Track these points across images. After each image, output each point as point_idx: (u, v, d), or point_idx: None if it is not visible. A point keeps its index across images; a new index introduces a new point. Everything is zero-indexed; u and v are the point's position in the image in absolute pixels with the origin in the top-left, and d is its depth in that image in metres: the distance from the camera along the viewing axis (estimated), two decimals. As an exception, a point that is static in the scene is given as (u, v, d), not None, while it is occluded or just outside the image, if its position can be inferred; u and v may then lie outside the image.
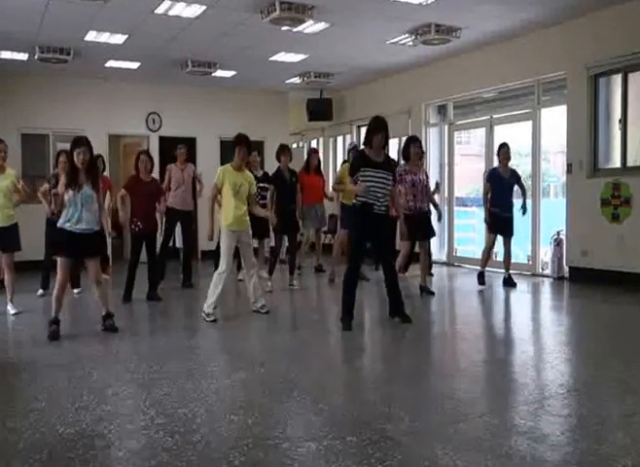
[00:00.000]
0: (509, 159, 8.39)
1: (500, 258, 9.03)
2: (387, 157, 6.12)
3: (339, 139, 14.41)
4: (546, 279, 9.18)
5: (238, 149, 6.52)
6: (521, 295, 8.35)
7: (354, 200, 6.02)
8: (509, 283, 8.47)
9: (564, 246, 8.99)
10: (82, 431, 3.43)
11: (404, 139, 12.18)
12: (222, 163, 12.56)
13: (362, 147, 6.17)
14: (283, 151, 8.54)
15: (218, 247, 8.84)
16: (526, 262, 9.83)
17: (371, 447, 3.15)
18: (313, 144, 15.09)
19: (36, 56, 9.59)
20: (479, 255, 10.53)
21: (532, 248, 9.65)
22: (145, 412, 3.74)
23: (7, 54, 9.98)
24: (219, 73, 11.19)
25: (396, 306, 6.15)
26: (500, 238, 8.57)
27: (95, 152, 6.10)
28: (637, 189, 7.97)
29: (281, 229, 8.36)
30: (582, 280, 8.59)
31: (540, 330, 6.43)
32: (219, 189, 6.57)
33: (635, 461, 2.98)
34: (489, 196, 8.37)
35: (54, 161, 8.32)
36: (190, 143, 12.76)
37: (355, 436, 3.30)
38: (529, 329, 6.38)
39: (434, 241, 11.51)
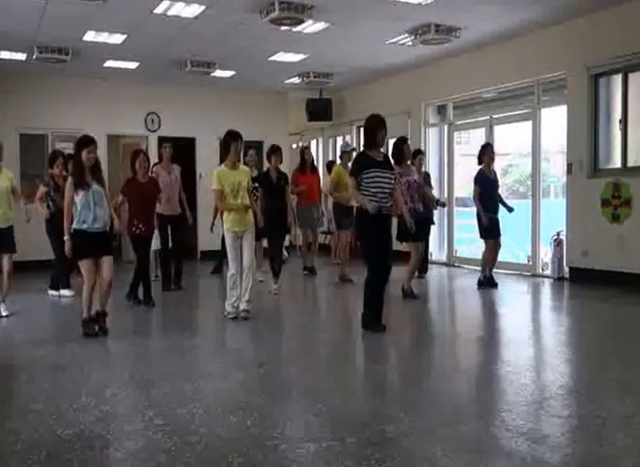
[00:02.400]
0: (494, 159, 8.35)
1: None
2: (385, 155, 6.04)
3: (339, 139, 14.38)
4: (546, 280, 9.16)
5: (234, 146, 6.40)
6: (522, 295, 8.34)
7: (356, 204, 5.83)
8: (491, 283, 8.39)
9: (564, 247, 8.97)
10: (80, 432, 3.42)
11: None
12: (221, 164, 12.61)
13: (353, 153, 6.06)
14: (275, 152, 8.39)
15: (222, 247, 8.85)
16: (526, 262, 9.81)
17: (370, 447, 3.14)
18: (313, 144, 15.08)
19: (34, 56, 9.57)
20: (479, 256, 10.52)
21: (532, 249, 9.64)
22: (144, 412, 3.73)
23: (5, 54, 9.95)
24: (218, 73, 11.17)
25: (376, 314, 5.85)
26: None
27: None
28: (638, 189, 7.95)
29: (267, 231, 8.15)
30: (582, 281, 8.57)
31: (540, 330, 6.42)
32: (221, 192, 6.39)
33: (636, 462, 2.97)
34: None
35: (48, 162, 8.23)
36: (189, 143, 12.81)
37: (355, 437, 3.29)
38: (529, 330, 6.37)
39: (433, 241, 11.54)
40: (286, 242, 12.31)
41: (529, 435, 3.30)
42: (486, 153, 8.31)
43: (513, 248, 10.77)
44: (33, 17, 8.06)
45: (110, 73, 11.37)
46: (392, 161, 6.26)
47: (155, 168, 8.57)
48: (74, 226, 5.68)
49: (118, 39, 9.19)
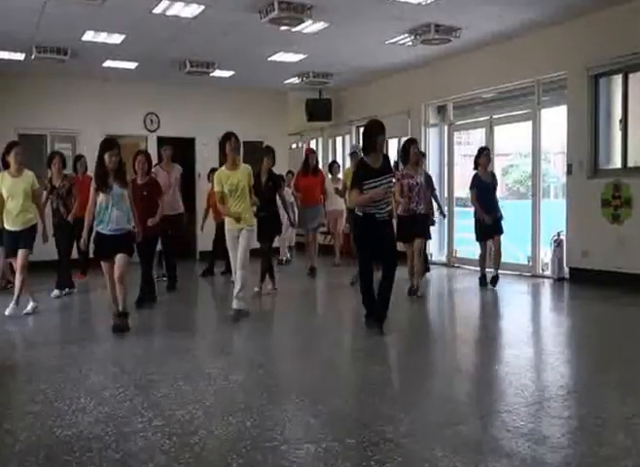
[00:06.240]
0: (489, 162, 8.53)
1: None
2: (385, 158, 5.96)
3: (339, 140, 14.39)
4: (546, 280, 9.14)
5: (229, 147, 6.50)
6: (522, 296, 8.32)
7: (357, 211, 5.88)
8: (495, 281, 8.41)
9: (564, 247, 8.96)
10: (79, 433, 3.41)
11: (403, 140, 12.23)
12: (220, 164, 12.59)
13: (361, 155, 6.07)
14: (267, 154, 8.20)
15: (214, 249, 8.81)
16: (526, 263, 9.80)
17: (370, 448, 3.13)
18: (312, 144, 15.07)
19: (33, 56, 9.56)
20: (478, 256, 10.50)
21: (532, 249, 9.62)
22: (142, 414, 3.71)
23: (4, 55, 9.93)
24: (217, 73, 11.16)
25: (378, 313, 5.84)
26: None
27: (94, 152, 6.07)
28: (638, 189, 7.94)
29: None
30: (582, 281, 8.56)
31: (540, 331, 6.41)
32: (222, 193, 6.51)
33: (636, 463, 2.96)
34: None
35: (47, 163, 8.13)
36: (189, 143, 12.80)
37: (354, 438, 3.28)
38: (529, 330, 6.36)
39: (433, 241, 11.51)
40: (292, 242, 12.43)
41: (529, 436, 3.29)
42: (481, 156, 8.43)
43: (513, 249, 10.75)
44: (32, 18, 8.04)
45: (109, 73, 11.35)
46: (398, 163, 6.29)
47: (154, 168, 8.56)
48: (95, 226, 5.89)
49: (117, 39, 9.18)
